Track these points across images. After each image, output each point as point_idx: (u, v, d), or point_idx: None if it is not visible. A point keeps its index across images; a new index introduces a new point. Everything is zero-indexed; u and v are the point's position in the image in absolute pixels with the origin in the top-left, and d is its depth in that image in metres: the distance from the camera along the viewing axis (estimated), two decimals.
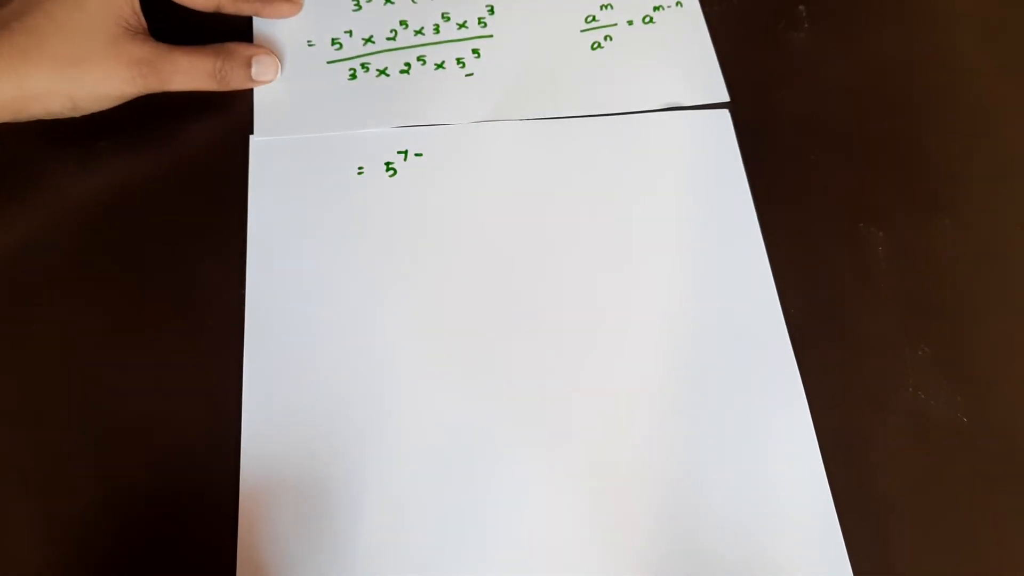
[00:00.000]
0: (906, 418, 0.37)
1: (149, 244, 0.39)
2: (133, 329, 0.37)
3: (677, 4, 0.47)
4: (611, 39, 0.46)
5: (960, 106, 0.45)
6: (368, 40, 0.45)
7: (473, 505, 0.34)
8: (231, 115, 0.42)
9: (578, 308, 0.38)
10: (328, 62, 0.44)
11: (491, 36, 0.46)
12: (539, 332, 0.38)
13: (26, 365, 0.37)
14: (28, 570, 0.33)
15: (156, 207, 0.40)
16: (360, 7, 0.46)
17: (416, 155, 0.42)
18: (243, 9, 0.44)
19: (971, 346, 0.38)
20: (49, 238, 0.39)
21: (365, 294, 0.38)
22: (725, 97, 0.44)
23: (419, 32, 0.45)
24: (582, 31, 0.46)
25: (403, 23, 0.46)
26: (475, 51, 0.45)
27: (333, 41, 0.45)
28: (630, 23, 0.46)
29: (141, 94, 0.39)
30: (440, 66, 0.44)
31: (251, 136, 0.42)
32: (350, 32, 0.45)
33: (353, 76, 0.44)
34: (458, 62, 0.45)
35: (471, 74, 0.44)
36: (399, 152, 0.42)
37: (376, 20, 0.46)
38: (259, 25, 0.45)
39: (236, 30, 0.44)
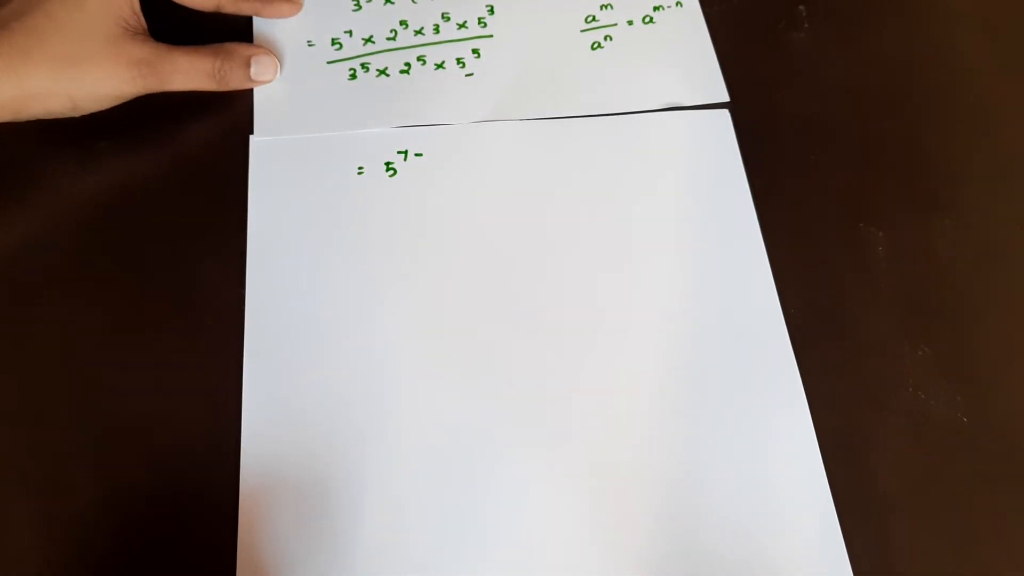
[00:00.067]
0: (906, 418, 0.37)
1: (149, 244, 0.39)
2: (133, 329, 0.37)
3: (677, 4, 0.47)
4: (611, 39, 0.46)
5: (960, 106, 0.45)
6: (368, 40, 0.45)
7: (473, 505, 0.34)
8: (231, 115, 0.42)
9: (578, 308, 0.38)
10: (328, 62, 0.44)
11: (491, 36, 0.46)
12: (539, 332, 0.38)
13: (26, 365, 0.37)
14: (28, 570, 0.33)
15: (156, 207, 0.40)
16: (360, 7, 0.46)
17: (416, 155, 0.42)
18: (243, 9, 0.44)
19: (971, 346, 0.38)
20: (49, 238, 0.39)
21: (365, 294, 0.38)
22: (725, 97, 0.44)
23: (419, 32, 0.45)
24: (582, 31, 0.46)
25: (403, 23, 0.46)
26: (475, 51, 0.45)
27: (333, 41, 0.45)
28: (630, 23, 0.46)
29: (141, 94, 0.39)
30: (440, 66, 0.44)
31: (251, 136, 0.42)
32: (350, 32, 0.45)
33: (353, 76, 0.44)
34: (458, 62, 0.45)
35: (471, 74, 0.44)
36: (399, 152, 0.42)
37: (376, 20, 0.46)
38: (259, 25, 0.45)
39: (236, 30, 0.44)
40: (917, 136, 0.44)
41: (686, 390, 0.37)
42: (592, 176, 0.42)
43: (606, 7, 0.47)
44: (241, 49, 0.42)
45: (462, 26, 0.46)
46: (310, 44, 0.45)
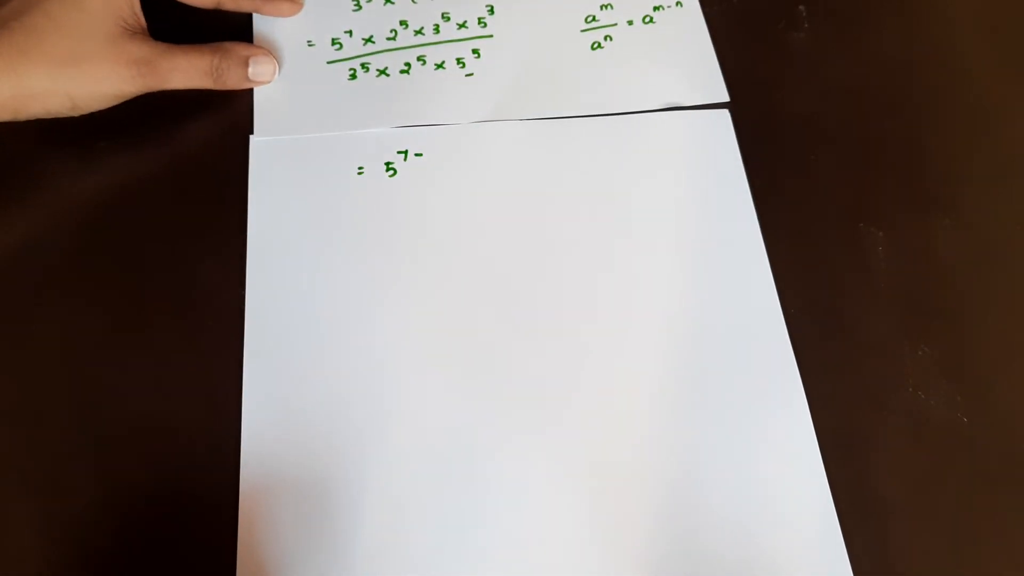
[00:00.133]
0: (906, 418, 0.37)
1: (149, 244, 0.39)
2: (133, 329, 0.37)
3: (677, 4, 0.47)
4: (611, 39, 0.46)
5: (960, 106, 0.45)
6: (368, 40, 0.45)
7: (473, 505, 0.34)
8: (231, 115, 0.42)
9: (578, 308, 0.38)
10: (328, 62, 0.44)
11: (491, 36, 0.46)
12: (539, 332, 0.38)
13: (26, 365, 0.37)
14: (28, 570, 0.33)
15: (156, 207, 0.40)
16: (360, 7, 0.46)
17: (416, 155, 0.42)
18: (243, 6, 0.44)
19: (971, 346, 0.38)
20: (49, 238, 0.39)
21: (365, 294, 0.38)
22: (725, 97, 0.44)
23: (419, 32, 0.45)
24: (582, 31, 0.46)
25: (403, 23, 0.46)
26: (475, 51, 0.45)
27: (333, 41, 0.45)
28: (630, 23, 0.46)
29: (140, 93, 0.39)
30: (440, 66, 0.44)
31: (251, 136, 0.42)
32: (350, 32, 0.45)
33: (353, 76, 0.44)
34: (458, 62, 0.45)
35: (471, 74, 0.44)
36: (399, 152, 0.42)
37: (376, 20, 0.46)
38: (259, 25, 0.45)
39: (236, 30, 0.44)
40: (917, 136, 0.44)
41: (686, 390, 0.37)
42: (592, 176, 0.42)
43: (606, 7, 0.47)
44: (240, 49, 0.42)
45: (462, 26, 0.46)
46: (310, 44, 0.45)
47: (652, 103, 0.44)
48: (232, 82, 0.42)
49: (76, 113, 0.38)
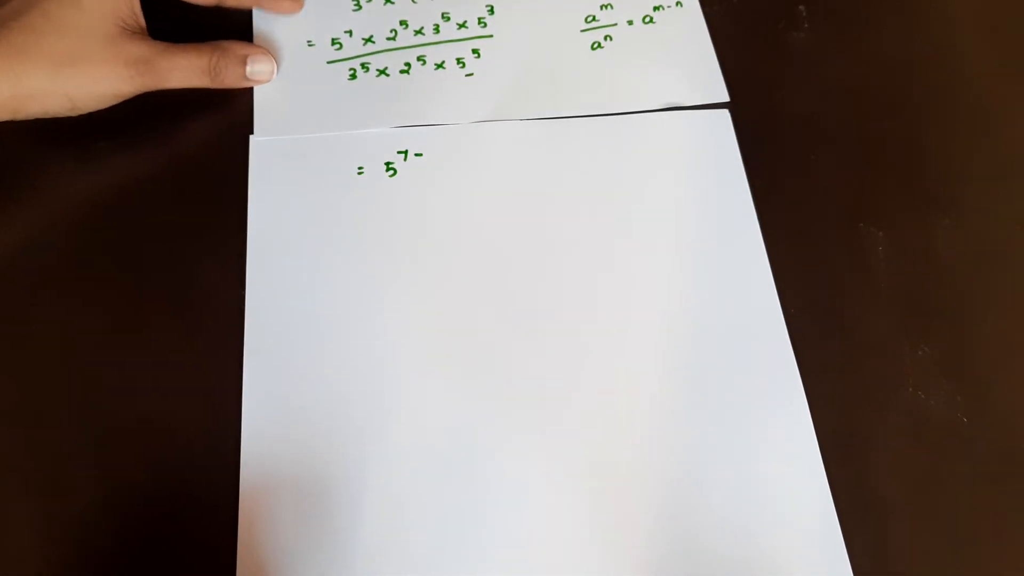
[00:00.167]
0: (906, 418, 0.37)
1: (148, 244, 0.39)
2: (133, 329, 0.37)
3: (677, 4, 0.47)
4: (611, 39, 0.46)
5: (960, 106, 0.45)
6: (368, 40, 0.45)
7: (473, 505, 0.34)
8: (231, 115, 0.42)
9: (578, 308, 0.38)
10: (328, 62, 0.44)
11: (491, 36, 0.46)
12: (539, 332, 0.38)
13: (26, 365, 0.36)
14: (28, 570, 0.33)
15: (155, 207, 0.40)
16: (360, 7, 0.46)
17: (416, 155, 0.42)
18: (244, 3, 0.44)
19: (971, 346, 0.38)
20: (48, 238, 0.39)
21: (365, 294, 0.38)
22: (725, 97, 0.44)
23: (419, 32, 0.45)
24: (582, 31, 0.46)
25: (403, 23, 0.46)
26: (475, 51, 0.45)
27: (333, 41, 0.45)
28: (630, 23, 0.46)
29: (139, 92, 0.39)
30: (440, 66, 0.44)
31: (251, 136, 0.42)
32: (350, 32, 0.45)
33: (353, 76, 0.44)
34: (458, 62, 0.45)
35: (471, 74, 0.44)
36: (399, 152, 0.42)
37: (376, 20, 0.46)
38: (259, 25, 0.45)
39: (236, 30, 0.44)
40: (917, 136, 0.44)
41: (686, 390, 0.37)
42: (592, 176, 0.42)
43: (606, 7, 0.47)
44: (238, 47, 0.42)
45: (462, 26, 0.46)
46: (310, 44, 0.45)
47: (652, 103, 0.44)
48: (230, 81, 0.42)
49: (75, 113, 0.38)
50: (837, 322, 0.39)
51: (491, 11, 0.46)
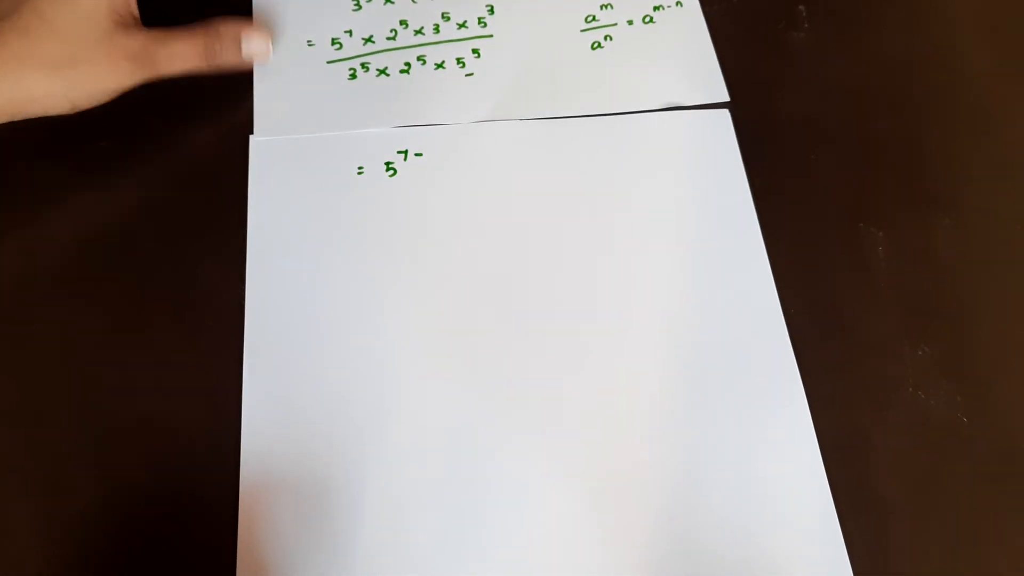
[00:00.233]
0: (906, 418, 0.37)
1: (148, 244, 0.39)
2: (133, 329, 0.37)
3: (677, 4, 0.47)
4: (611, 39, 0.46)
5: (960, 106, 0.45)
6: (368, 40, 0.45)
7: (473, 505, 0.34)
8: (231, 115, 0.42)
9: (577, 308, 0.38)
10: (328, 62, 0.44)
11: (491, 36, 0.46)
12: (538, 332, 0.38)
13: (26, 365, 0.36)
14: (28, 570, 0.33)
15: (156, 207, 0.40)
16: (360, 7, 0.46)
17: (416, 155, 0.42)
18: None
19: (971, 346, 0.38)
20: (48, 238, 0.39)
21: (365, 294, 0.38)
22: (725, 97, 0.44)
23: (419, 32, 0.45)
24: (582, 31, 0.46)
25: (403, 23, 0.46)
26: (475, 51, 0.45)
27: (333, 41, 0.45)
28: (630, 23, 0.46)
29: (139, 84, 0.39)
30: (440, 66, 0.44)
31: (251, 136, 0.42)
32: (350, 32, 0.45)
33: (353, 76, 0.44)
34: (458, 62, 0.45)
35: (471, 74, 0.44)
36: (399, 152, 0.42)
37: (376, 20, 0.46)
38: (259, 23, 0.45)
39: None
40: (917, 136, 0.44)
41: (686, 390, 0.37)
42: (592, 176, 0.42)
43: (606, 7, 0.47)
44: (231, 26, 0.41)
45: (462, 26, 0.46)
46: (310, 44, 0.45)
47: (652, 103, 0.44)
48: (227, 62, 0.41)
49: (75, 111, 0.38)
50: (837, 322, 0.39)
51: (491, 11, 0.46)
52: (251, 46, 0.41)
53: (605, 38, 0.46)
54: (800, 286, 0.39)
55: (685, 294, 0.39)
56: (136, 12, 0.39)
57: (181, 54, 0.39)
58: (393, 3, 0.46)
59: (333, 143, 0.42)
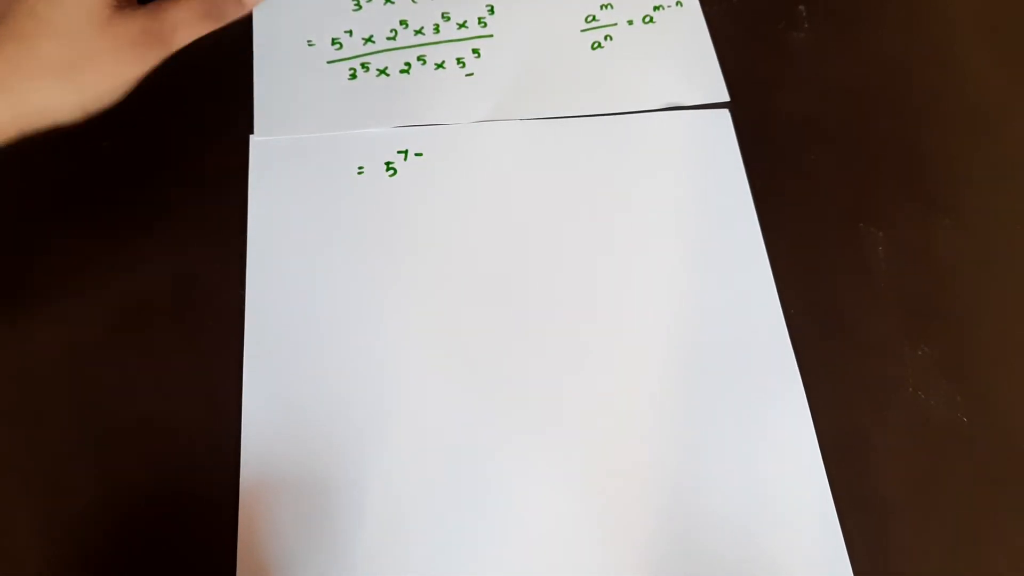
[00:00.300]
0: (906, 418, 0.37)
1: (148, 244, 0.39)
2: (133, 329, 0.37)
3: (677, 4, 0.47)
4: (611, 39, 0.46)
5: (960, 106, 0.45)
6: (368, 40, 0.45)
7: (473, 505, 0.34)
8: (231, 115, 0.42)
9: (577, 308, 0.38)
10: (328, 62, 0.44)
11: (491, 36, 0.45)
12: (539, 331, 0.38)
13: (26, 365, 0.36)
14: (28, 570, 0.33)
15: (156, 207, 0.40)
16: (360, 7, 0.46)
17: (416, 155, 0.42)
18: None
19: (971, 346, 0.38)
20: (48, 237, 0.39)
21: (365, 294, 0.38)
22: (725, 97, 0.44)
23: (419, 32, 0.45)
24: (582, 31, 0.46)
25: (403, 23, 0.46)
26: (475, 51, 0.45)
27: (333, 41, 0.45)
28: (630, 23, 0.46)
29: (151, 69, 0.35)
30: (440, 66, 0.44)
31: (251, 136, 0.42)
32: (350, 32, 0.45)
33: (353, 76, 0.44)
34: (458, 62, 0.45)
35: (471, 74, 0.44)
36: (399, 152, 0.42)
37: (376, 20, 0.46)
38: (260, 23, 0.45)
39: (237, 27, 0.44)
40: (917, 136, 0.44)
41: (686, 390, 0.37)
42: (592, 176, 0.42)
43: (606, 7, 0.47)
44: None
45: (462, 26, 0.46)
46: (310, 44, 0.45)
47: (652, 103, 0.44)
48: (231, 14, 0.37)
49: (87, 117, 0.36)
50: (837, 322, 0.39)
51: (491, 11, 0.46)
52: None
53: (605, 38, 0.46)
54: (800, 286, 0.39)
55: (685, 294, 0.39)
56: None
57: (185, 22, 0.36)
58: (393, 3, 0.46)
59: (333, 143, 0.42)
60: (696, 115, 0.43)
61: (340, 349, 0.37)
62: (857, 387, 0.37)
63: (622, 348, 0.38)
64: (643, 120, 0.43)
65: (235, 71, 0.43)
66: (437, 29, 0.45)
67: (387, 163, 0.42)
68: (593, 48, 0.45)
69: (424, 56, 0.45)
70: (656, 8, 0.47)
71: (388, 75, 0.44)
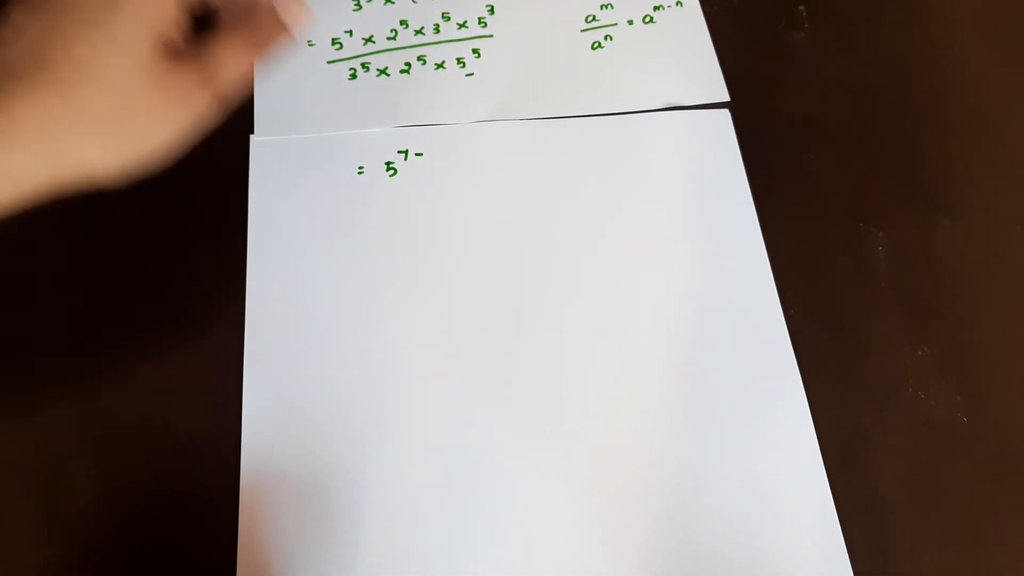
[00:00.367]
0: (906, 418, 0.37)
1: (148, 244, 0.39)
2: (133, 329, 0.37)
3: (677, 4, 0.47)
4: (611, 39, 0.46)
5: (960, 106, 0.45)
6: (368, 40, 0.45)
7: (473, 505, 0.34)
8: (231, 115, 0.42)
9: (578, 308, 0.38)
10: (328, 62, 0.44)
11: (491, 36, 0.45)
12: (539, 332, 0.38)
13: (26, 365, 0.36)
14: (28, 570, 0.33)
15: (155, 207, 0.40)
16: (360, 7, 0.46)
17: (416, 155, 0.42)
18: None
19: (971, 346, 0.38)
20: (48, 237, 0.39)
21: (365, 294, 0.38)
22: (725, 97, 0.44)
23: (419, 32, 0.45)
24: (582, 31, 0.46)
25: (403, 23, 0.46)
26: (475, 51, 0.45)
27: (333, 41, 0.45)
28: (630, 23, 0.46)
29: (201, 119, 0.32)
30: (440, 66, 0.44)
31: (251, 136, 0.42)
32: (350, 32, 0.45)
33: (353, 76, 0.44)
34: (458, 62, 0.45)
35: (471, 74, 0.44)
36: (399, 152, 0.42)
37: (376, 20, 0.46)
38: None
39: None
40: (917, 136, 0.44)
41: (687, 390, 0.37)
42: (592, 176, 0.42)
43: (606, 7, 0.47)
44: (264, 9, 0.33)
45: (462, 26, 0.46)
46: (310, 44, 0.45)
47: (652, 103, 0.44)
48: (279, 41, 0.34)
49: (126, 179, 0.31)
50: (837, 322, 0.39)
51: (491, 11, 0.46)
52: (294, 17, 0.34)
53: (605, 38, 0.46)
54: (800, 286, 0.39)
55: (685, 294, 0.39)
56: (183, 22, 0.31)
57: (235, 65, 0.32)
58: (393, 3, 0.46)
59: (333, 143, 0.42)
60: (696, 115, 0.43)
61: (340, 349, 0.37)
62: (857, 387, 0.37)
63: (622, 348, 0.38)
64: (643, 120, 0.43)
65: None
66: (437, 29, 0.45)
67: (387, 163, 0.42)
68: (593, 48, 0.45)
69: (424, 56, 0.45)
70: (656, 8, 0.47)
71: (388, 75, 0.44)
